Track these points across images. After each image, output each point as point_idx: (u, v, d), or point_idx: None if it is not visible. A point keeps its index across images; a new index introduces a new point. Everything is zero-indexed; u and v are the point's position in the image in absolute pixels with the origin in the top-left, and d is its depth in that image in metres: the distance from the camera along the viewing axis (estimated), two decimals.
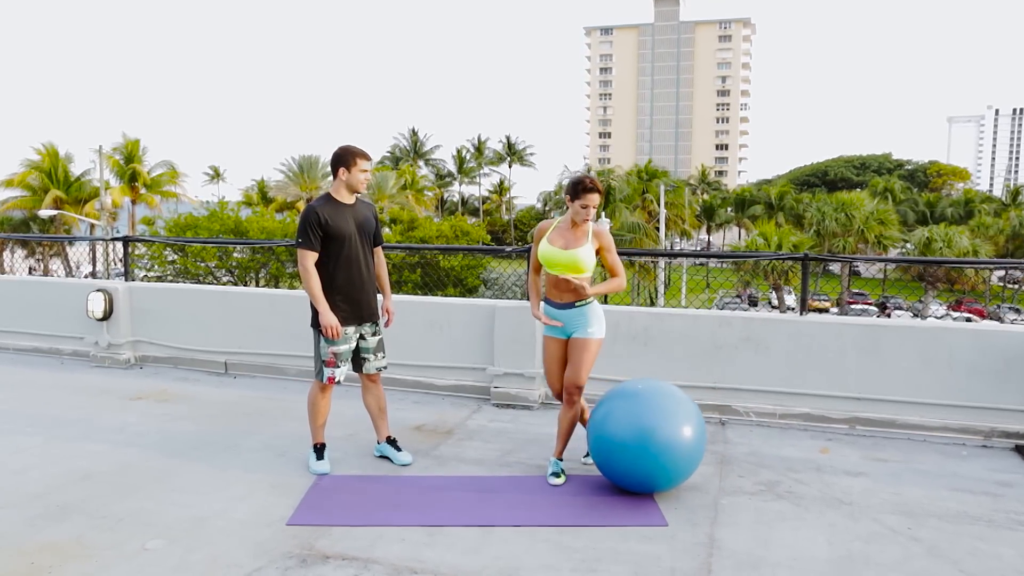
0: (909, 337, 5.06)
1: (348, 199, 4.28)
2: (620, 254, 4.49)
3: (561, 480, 4.16)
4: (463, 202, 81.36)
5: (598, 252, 4.11)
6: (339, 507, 3.80)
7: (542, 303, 4.32)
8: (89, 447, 4.70)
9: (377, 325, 4.48)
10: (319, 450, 4.41)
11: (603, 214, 39.20)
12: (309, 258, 4.17)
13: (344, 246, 4.23)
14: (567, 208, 4.12)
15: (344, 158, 4.21)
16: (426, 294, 18.71)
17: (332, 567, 3.21)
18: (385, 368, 4.53)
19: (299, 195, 50.09)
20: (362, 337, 4.41)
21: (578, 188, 4.00)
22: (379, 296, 4.53)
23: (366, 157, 4.24)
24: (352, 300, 4.28)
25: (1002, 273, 44.74)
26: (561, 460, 4.27)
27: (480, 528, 3.59)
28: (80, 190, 41.89)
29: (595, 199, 4.01)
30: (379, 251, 4.51)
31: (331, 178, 4.29)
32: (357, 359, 4.44)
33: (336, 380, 4.28)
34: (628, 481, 3.90)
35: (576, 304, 4.13)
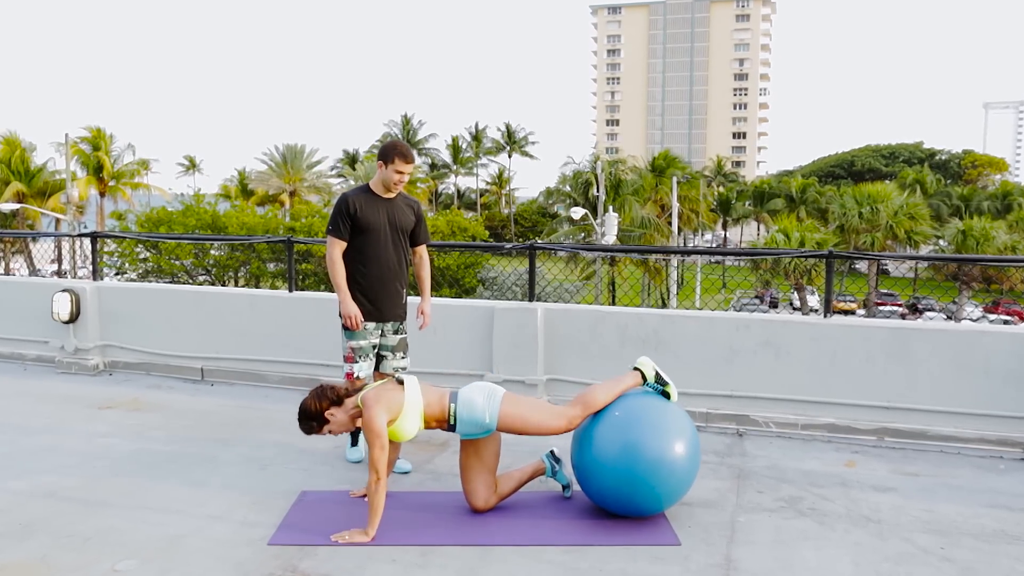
0: (942, 341, 5.07)
1: (386, 193, 4.50)
2: (629, 252, 4.48)
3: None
4: (459, 195, 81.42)
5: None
6: (325, 525, 3.80)
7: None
8: (54, 460, 4.71)
9: (401, 325, 4.63)
10: (353, 435, 4.66)
11: (611, 208, 39.21)
12: (336, 247, 4.39)
13: (372, 240, 4.42)
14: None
15: (386, 153, 4.48)
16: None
17: None
18: (404, 370, 4.65)
19: (282, 187, 50.08)
20: (383, 334, 4.58)
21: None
22: (412, 297, 4.74)
23: (407, 160, 4.44)
24: (375, 297, 4.46)
25: None
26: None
27: (478, 548, 3.60)
28: (43, 182, 41.93)
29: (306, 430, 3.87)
30: (421, 250, 4.69)
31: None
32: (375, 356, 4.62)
33: (356, 376, 4.44)
34: (619, 507, 3.87)
35: (452, 409, 3.87)
